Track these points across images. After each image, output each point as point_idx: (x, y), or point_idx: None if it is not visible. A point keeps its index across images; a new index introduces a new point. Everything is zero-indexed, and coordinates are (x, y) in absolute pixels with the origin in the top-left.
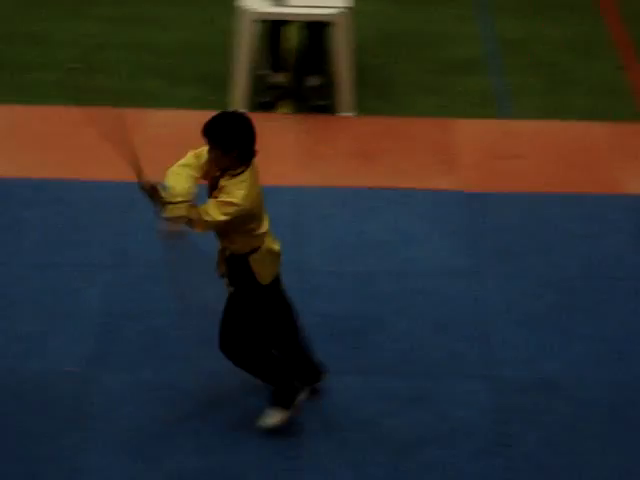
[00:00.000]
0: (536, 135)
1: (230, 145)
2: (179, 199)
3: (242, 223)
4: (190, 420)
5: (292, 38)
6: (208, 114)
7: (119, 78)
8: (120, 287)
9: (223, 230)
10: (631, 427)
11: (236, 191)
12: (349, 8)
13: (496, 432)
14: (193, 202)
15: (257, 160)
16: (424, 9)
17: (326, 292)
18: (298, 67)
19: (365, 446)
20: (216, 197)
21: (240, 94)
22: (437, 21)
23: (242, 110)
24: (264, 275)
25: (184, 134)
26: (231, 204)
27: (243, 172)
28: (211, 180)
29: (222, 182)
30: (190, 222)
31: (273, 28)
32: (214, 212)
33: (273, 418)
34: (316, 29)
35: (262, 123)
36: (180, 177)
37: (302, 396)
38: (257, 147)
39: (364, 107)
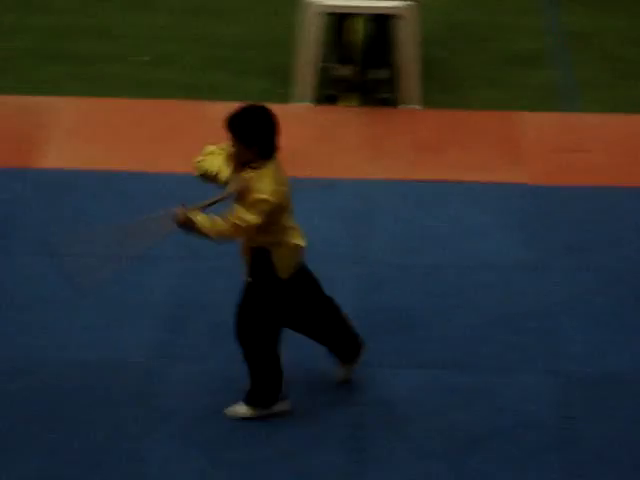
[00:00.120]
0: (602, 128)
1: (251, 140)
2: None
3: (269, 218)
4: None
5: (358, 31)
6: (274, 107)
7: (184, 70)
8: (186, 279)
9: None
10: None
11: (262, 187)
12: (415, 1)
13: (561, 427)
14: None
15: (322, 152)
16: (489, 1)
17: (390, 285)
18: (363, 60)
19: (429, 440)
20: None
21: (305, 87)
22: (502, 13)
23: (307, 102)
24: (284, 269)
25: None
26: (262, 201)
27: (266, 166)
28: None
29: (245, 176)
30: (229, 235)
31: (339, 21)
32: (248, 216)
33: (243, 411)
34: (382, 22)
35: (327, 116)
36: (217, 158)
37: (282, 407)
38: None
39: (429, 100)
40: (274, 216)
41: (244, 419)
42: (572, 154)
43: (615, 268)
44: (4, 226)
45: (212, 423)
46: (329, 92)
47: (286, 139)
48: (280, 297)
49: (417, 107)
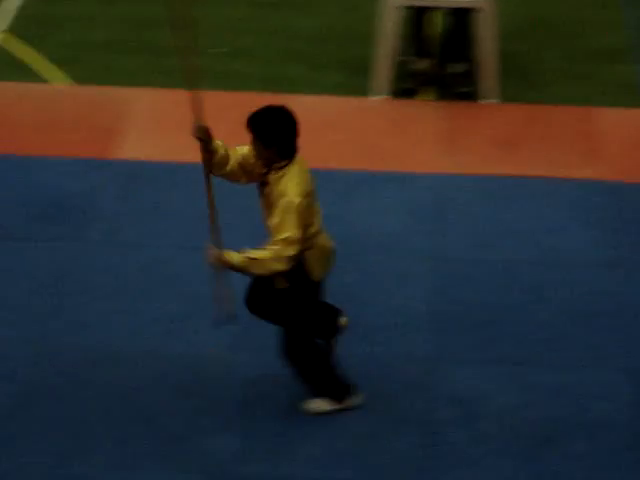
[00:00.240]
0: None
1: (270, 140)
2: None
3: (305, 221)
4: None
5: (436, 24)
6: (352, 100)
7: (262, 63)
8: None
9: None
10: None
11: (287, 190)
12: None
13: (637, 427)
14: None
15: (398, 145)
16: None
17: (466, 280)
18: (442, 53)
19: (505, 436)
20: (265, 192)
21: (383, 80)
22: (581, 7)
23: (384, 95)
24: (317, 272)
25: (327, 120)
26: (292, 205)
27: (287, 166)
28: (259, 177)
29: (269, 178)
30: (277, 260)
31: (417, 14)
32: (288, 227)
33: (321, 405)
34: (461, 15)
35: (404, 109)
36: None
37: (355, 401)
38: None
39: (507, 94)
40: (306, 218)
41: (319, 414)
42: None
43: None
44: (81, 216)
45: (286, 417)
46: (407, 86)
47: (362, 132)
48: (312, 299)
49: (495, 101)
